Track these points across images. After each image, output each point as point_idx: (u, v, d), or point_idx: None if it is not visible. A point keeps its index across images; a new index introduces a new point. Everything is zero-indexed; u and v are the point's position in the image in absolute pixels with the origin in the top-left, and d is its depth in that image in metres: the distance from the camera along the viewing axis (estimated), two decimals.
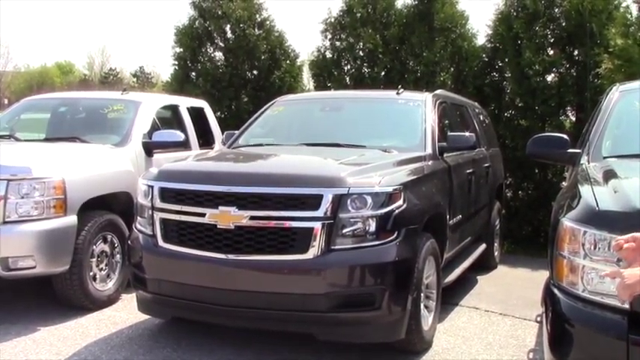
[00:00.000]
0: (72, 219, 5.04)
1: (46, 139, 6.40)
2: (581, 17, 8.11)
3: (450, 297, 5.52)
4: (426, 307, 4.41)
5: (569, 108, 8.78)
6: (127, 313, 5.16)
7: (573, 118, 8.74)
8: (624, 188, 2.91)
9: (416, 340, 4.22)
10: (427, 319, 4.41)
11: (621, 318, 2.58)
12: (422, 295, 4.27)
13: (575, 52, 8.51)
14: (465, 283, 6.11)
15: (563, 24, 8.43)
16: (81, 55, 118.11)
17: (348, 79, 9.71)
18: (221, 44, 10.55)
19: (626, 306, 2.56)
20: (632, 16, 7.90)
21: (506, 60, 8.78)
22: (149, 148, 6.19)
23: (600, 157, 3.74)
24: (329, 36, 9.89)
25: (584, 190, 3.04)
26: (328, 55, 9.91)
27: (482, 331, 4.93)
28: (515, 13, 8.74)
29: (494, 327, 5.05)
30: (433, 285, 4.55)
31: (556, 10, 8.50)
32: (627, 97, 4.34)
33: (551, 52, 8.55)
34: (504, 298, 5.91)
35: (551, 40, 8.62)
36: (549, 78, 8.58)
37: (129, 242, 4.64)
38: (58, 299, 5.23)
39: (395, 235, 3.96)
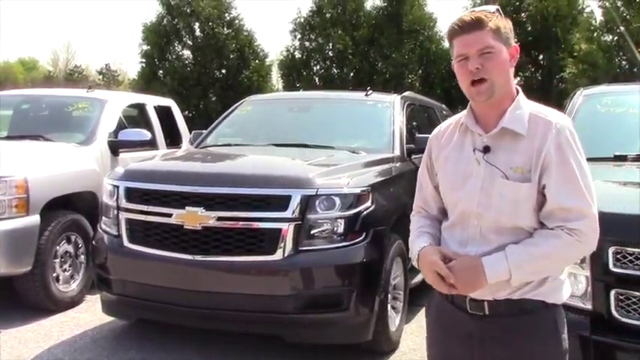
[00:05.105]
0: (34, 219, 4.93)
1: (8, 137, 6.25)
2: (546, 22, 8.26)
3: (417, 298, 5.54)
4: (393, 308, 4.42)
5: None
6: (90, 314, 5.06)
7: None
8: None
9: (383, 341, 4.22)
10: (394, 319, 4.42)
11: (584, 318, 2.64)
12: (389, 296, 4.28)
13: (541, 57, 8.67)
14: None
15: (529, 28, 8.59)
16: (45, 51, 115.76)
17: (317, 79, 9.76)
18: (189, 42, 10.49)
19: (589, 307, 2.62)
20: (596, 21, 8.08)
21: None
22: (115, 147, 6.09)
23: None
24: (298, 36, 9.93)
25: None
26: (297, 55, 9.93)
27: None
28: None
29: None
30: (400, 286, 4.57)
31: (522, 15, 8.64)
32: (591, 100, 4.42)
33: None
34: None
35: (517, 44, 8.73)
36: (515, 82, 8.69)
37: (93, 243, 4.56)
38: (20, 301, 5.10)
39: (363, 236, 3.96)
